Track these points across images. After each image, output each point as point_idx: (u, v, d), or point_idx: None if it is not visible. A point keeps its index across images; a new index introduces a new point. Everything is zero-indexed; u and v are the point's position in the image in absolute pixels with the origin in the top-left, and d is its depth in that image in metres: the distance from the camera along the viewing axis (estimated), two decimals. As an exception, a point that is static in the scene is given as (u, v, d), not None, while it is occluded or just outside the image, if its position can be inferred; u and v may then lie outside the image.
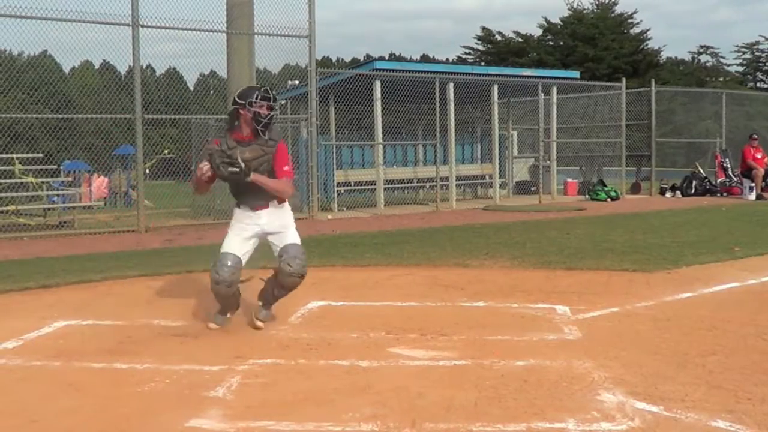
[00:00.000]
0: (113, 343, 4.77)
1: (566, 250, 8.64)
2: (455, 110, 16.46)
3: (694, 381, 3.88)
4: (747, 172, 18.14)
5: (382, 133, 15.77)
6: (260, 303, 5.26)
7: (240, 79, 14.16)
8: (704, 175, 19.37)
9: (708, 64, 46.13)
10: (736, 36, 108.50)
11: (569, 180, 20.04)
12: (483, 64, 37.77)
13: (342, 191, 16.32)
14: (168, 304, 6.07)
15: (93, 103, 21.06)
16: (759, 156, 18.24)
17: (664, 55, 43.91)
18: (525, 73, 19.99)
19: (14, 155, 13.26)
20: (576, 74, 21.94)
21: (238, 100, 4.94)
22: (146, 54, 13.30)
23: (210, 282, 5.03)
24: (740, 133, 20.43)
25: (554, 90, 18.65)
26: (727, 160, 19.38)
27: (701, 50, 46.70)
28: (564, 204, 16.77)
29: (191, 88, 26.40)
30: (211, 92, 27.88)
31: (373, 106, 15.49)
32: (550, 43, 41.00)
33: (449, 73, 16.92)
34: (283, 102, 21.19)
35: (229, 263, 4.96)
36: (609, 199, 17.76)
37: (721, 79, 43.01)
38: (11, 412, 3.56)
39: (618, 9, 40.61)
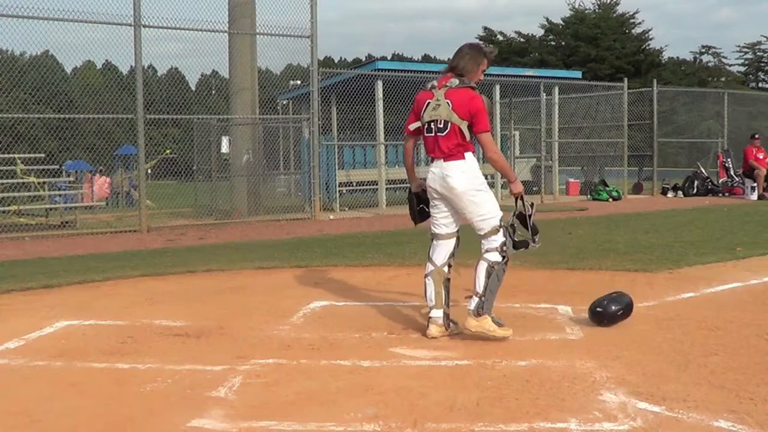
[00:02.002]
0: (115, 343, 4.77)
1: (568, 250, 8.63)
2: (457, 110, 16.43)
3: (696, 381, 3.88)
4: (749, 172, 18.14)
5: (384, 133, 15.78)
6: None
7: (242, 79, 14.20)
8: (706, 175, 19.37)
9: (710, 64, 46.17)
10: (738, 36, 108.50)
11: (571, 180, 20.06)
12: (485, 64, 37.68)
13: (344, 191, 16.33)
14: (170, 304, 6.07)
15: (95, 103, 21.07)
16: (761, 156, 18.25)
17: (666, 55, 44.02)
18: (527, 73, 20.00)
19: (16, 155, 13.27)
20: (578, 74, 21.98)
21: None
22: (148, 54, 13.29)
23: (492, 264, 4.71)
24: (742, 133, 20.44)
25: (556, 90, 18.66)
26: (729, 160, 19.38)
27: (703, 50, 46.79)
28: (566, 204, 16.77)
29: (193, 88, 26.39)
30: (213, 92, 27.89)
31: (375, 106, 15.50)
32: (552, 43, 41.04)
33: (451, 73, 16.91)
34: (285, 102, 21.24)
35: None
36: (611, 199, 17.76)
37: (723, 79, 43.05)
38: (13, 412, 3.57)
39: (620, 9, 40.69)
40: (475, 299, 4.70)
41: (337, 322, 5.32)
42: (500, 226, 4.78)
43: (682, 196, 18.93)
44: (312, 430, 3.27)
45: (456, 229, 4.93)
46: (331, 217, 14.22)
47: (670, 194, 19.28)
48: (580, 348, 4.56)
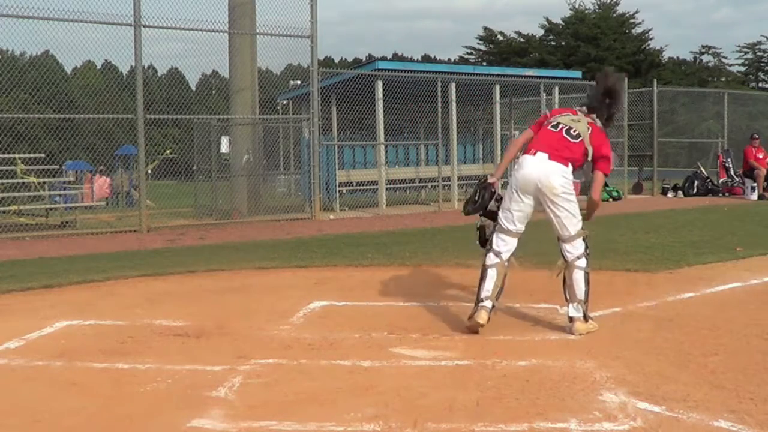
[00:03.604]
0: (115, 343, 4.78)
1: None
2: (457, 110, 16.47)
3: (696, 381, 3.88)
4: (749, 172, 18.13)
5: (384, 133, 15.78)
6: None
7: (242, 79, 14.19)
8: (706, 175, 19.35)
9: (710, 64, 46.22)
10: (738, 36, 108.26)
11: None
12: (485, 64, 37.82)
13: (344, 191, 16.32)
14: (170, 304, 6.08)
15: (95, 103, 21.10)
16: (761, 156, 18.23)
17: (666, 55, 44.12)
18: (527, 73, 19.98)
19: (16, 155, 13.27)
20: (578, 74, 21.93)
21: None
22: (148, 54, 13.30)
23: (586, 270, 5.10)
24: (742, 133, 20.44)
25: (556, 90, 18.64)
26: (729, 160, 19.37)
27: (703, 50, 46.83)
28: (566, 204, 16.73)
29: (193, 88, 26.39)
30: (213, 92, 27.89)
31: (375, 106, 15.50)
32: (552, 43, 41.09)
33: (451, 73, 16.94)
34: (285, 102, 21.24)
35: None
36: (611, 199, 17.73)
37: (723, 79, 43.09)
38: (14, 412, 3.57)
39: (620, 9, 40.75)
40: (579, 306, 4.95)
41: (337, 322, 5.32)
42: (583, 231, 5.08)
43: (682, 196, 18.92)
44: (312, 430, 3.28)
45: (523, 230, 5.08)
46: (331, 217, 14.21)
47: (670, 194, 19.27)
48: (580, 348, 4.57)
